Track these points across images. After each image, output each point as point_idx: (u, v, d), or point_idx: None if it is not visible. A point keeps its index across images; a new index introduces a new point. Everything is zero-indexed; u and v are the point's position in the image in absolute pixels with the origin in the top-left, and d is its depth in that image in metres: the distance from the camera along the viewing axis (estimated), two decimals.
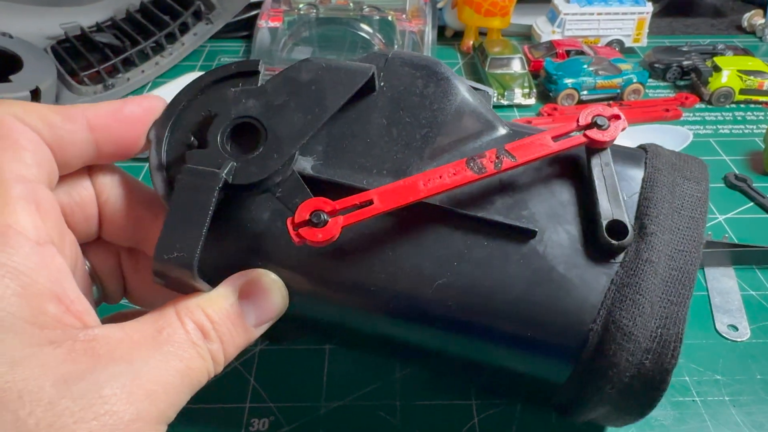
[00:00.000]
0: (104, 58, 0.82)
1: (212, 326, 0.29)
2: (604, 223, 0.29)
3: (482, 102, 0.33)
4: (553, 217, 0.31)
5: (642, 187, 0.31)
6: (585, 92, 0.77)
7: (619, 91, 0.77)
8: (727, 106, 0.78)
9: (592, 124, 0.31)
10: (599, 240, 0.30)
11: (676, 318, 0.28)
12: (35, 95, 0.71)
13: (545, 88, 0.79)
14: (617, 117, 0.30)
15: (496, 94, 0.77)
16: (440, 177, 0.30)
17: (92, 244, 0.33)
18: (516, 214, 0.31)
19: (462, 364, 0.34)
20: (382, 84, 0.33)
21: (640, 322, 0.28)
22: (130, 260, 0.36)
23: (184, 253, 0.27)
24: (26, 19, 0.84)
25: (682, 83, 0.83)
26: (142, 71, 0.84)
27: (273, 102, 0.30)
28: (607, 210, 0.29)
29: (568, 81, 0.76)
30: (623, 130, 0.30)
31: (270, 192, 0.30)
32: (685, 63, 0.82)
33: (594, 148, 0.31)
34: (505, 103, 0.78)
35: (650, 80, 0.81)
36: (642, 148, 0.34)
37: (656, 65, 0.83)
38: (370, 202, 0.29)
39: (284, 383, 0.42)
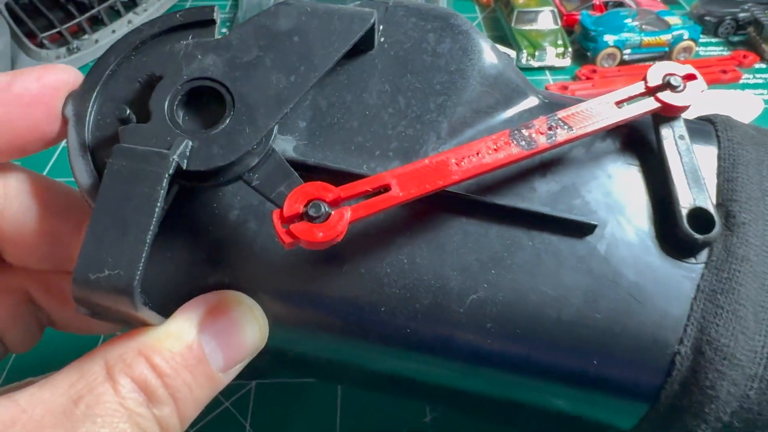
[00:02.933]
0: (68, 16, 0.71)
1: (161, 382, 0.21)
2: (684, 211, 0.23)
3: (509, 63, 0.27)
4: (614, 207, 0.25)
5: (719, 167, 0.25)
6: (628, 51, 0.67)
7: (667, 49, 0.68)
8: None
9: (664, 86, 0.24)
10: (678, 234, 0.24)
11: None
12: None
13: (582, 46, 0.69)
14: (692, 77, 0.24)
15: (524, 55, 0.68)
16: (477, 154, 0.22)
17: None
18: (566, 204, 0.25)
19: (502, 406, 0.26)
20: (382, 40, 0.26)
21: (742, 340, 0.21)
22: (51, 287, 0.28)
23: (119, 270, 0.19)
24: None
25: (736, 39, 0.72)
26: (113, 31, 0.72)
27: (241, 58, 0.23)
28: (686, 195, 0.23)
29: (609, 38, 0.66)
30: (702, 92, 0.24)
31: (243, 180, 0.23)
32: (741, 15, 0.71)
33: (665, 116, 0.24)
34: (536, 65, 0.68)
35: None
36: (705, 119, 0.27)
37: (707, 18, 0.73)
38: (387, 188, 0.21)
39: (288, 428, 0.34)
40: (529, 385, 0.24)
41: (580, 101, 0.27)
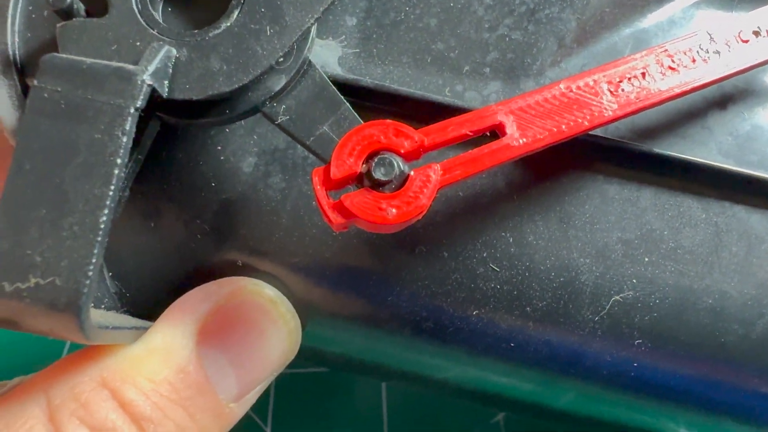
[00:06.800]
0: None
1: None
2: None
3: None
4: None
5: None
6: None
7: None
8: None
9: None
10: None
11: None
12: None
13: None
14: None
15: None
16: (643, 76, 0.13)
17: None
18: (759, 156, 0.17)
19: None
20: None
21: None
22: None
23: (55, 278, 0.12)
24: None
25: None
26: None
27: None
28: None
29: None
30: None
31: (263, 114, 0.15)
32: None
33: None
34: None
35: None
36: None
37: None
38: (497, 131, 0.14)
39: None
40: (688, 421, 0.17)
41: None
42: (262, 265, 0.17)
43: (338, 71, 0.16)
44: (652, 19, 0.17)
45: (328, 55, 0.16)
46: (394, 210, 0.13)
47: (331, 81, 0.15)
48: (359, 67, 0.17)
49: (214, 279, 0.16)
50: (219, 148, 0.16)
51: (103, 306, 0.16)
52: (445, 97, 0.16)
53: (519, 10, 0.17)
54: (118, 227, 0.16)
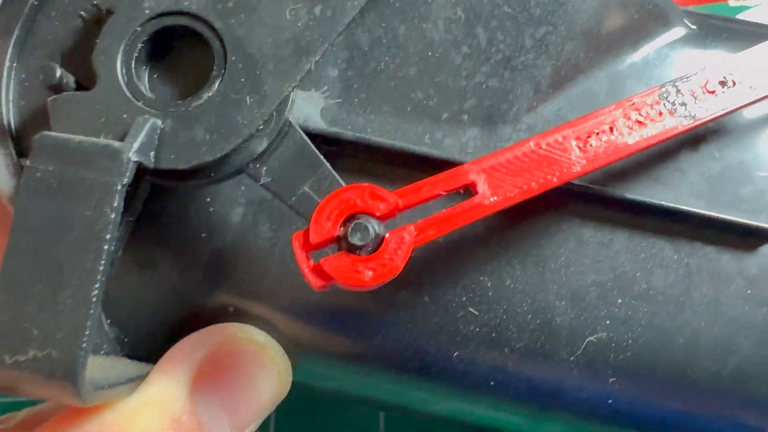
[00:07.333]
0: None
1: None
2: None
3: None
4: None
5: None
6: None
7: None
8: None
9: None
10: None
11: None
12: None
13: None
14: None
15: None
16: (611, 131, 0.14)
17: None
18: (730, 196, 0.17)
19: None
20: None
21: None
22: None
23: (51, 350, 0.12)
24: None
25: None
26: None
27: None
28: None
29: None
30: None
31: (246, 172, 0.15)
32: None
33: None
34: None
35: None
36: None
37: None
38: (470, 190, 0.14)
39: None
40: None
41: (752, 26, 0.18)
42: (253, 309, 0.17)
43: (321, 124, 0.17)
44: (626, 62, 0.18)
45: (310, 108, 0.17)
46: (370, 272, 0.13)
47: (313, 134, 0.16)
48: (341, 118, 0.17)
49: (209, 323, 0.17)
50: (208, 200, 0.17)
51: (102, 351, 0.17)
52: (424, 146, 0.17)
53: (495, 57, 0.17)
54: (115, 277, 0.17)
